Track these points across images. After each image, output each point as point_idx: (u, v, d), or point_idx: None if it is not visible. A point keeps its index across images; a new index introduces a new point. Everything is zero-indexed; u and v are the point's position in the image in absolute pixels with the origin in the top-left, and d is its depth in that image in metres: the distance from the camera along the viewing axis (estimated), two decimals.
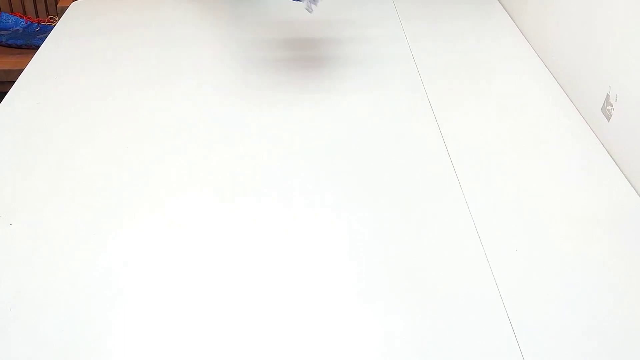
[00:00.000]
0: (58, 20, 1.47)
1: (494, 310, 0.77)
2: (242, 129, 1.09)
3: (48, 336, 0.72)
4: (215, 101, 1.16)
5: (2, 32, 1.80)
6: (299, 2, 1.22)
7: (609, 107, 1.03)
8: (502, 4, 1.55)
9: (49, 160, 1.00)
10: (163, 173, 0.98)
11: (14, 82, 1.20)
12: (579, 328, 0.75)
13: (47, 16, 1.96)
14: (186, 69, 1.26)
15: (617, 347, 0.73)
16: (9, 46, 1.82)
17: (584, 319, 0.76)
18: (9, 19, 1.81)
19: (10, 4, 1.95)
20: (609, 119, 1.03)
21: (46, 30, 1.78)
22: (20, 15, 1.86)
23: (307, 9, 1.21)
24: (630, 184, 0.97)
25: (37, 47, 1.33)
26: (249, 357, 0.71)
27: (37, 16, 1.97)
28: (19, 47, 1.82)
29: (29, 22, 1.84)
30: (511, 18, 1.47)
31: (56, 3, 1.82)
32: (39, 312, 0.75)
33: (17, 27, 1.82)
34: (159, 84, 1.21)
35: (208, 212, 0.91)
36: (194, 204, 0.92)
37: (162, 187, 0.95)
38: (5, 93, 1.18)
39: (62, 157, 1.01)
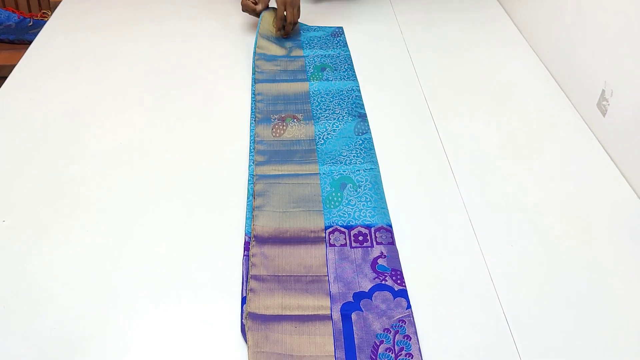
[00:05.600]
0: (51, 15, 1.46)
1: (489, 305, 0.77)
2: (237, 126, 1.08)
3: (41, 333, 0.72)
4: (210, 96, 1.16)
5: None
6: None
7: (604, 103, 1.03)
8: None
9: (42, 156, 0.99)
10: (157, 169, 0.98)
11: (7, 77, 1.19)
12: (572, 322, 0.75)
13: (40, 11, 1.94)
14: (180, 64, 1.25)
15: (610, 343, 0.73)
16: (1, 41, 1.80)
17: (577, 313, 0.76)
18: (1, 14, 1.80)
19: None
20: (604, 114, 1.03)
21: (39, 25, 1.76)
22: (12, 10, 1.84)
23: None
24: (625, 179, 0.97)
25: (30, 43, 1.32)
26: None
27: (30, 11, 1.95)
28: (12, 42, 1.81)
29: (21, 17, 1.82)
30: (507, 13, 1.47)
31: None
32: (32, 309, 0.75)
33: (10, 22, 1.81)
34: (152, 79, 1.20)
35: (203, 210, 0.90)
36: (190, 201, 0.92)
37: (156, 183, 0.95)
38: None
39: (55, 153, 1.00)
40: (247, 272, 0.78)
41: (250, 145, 1.01)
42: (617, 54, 1.00)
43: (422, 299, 0.77)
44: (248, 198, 0.90)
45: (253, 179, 0.92)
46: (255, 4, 1.35)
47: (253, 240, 0.82)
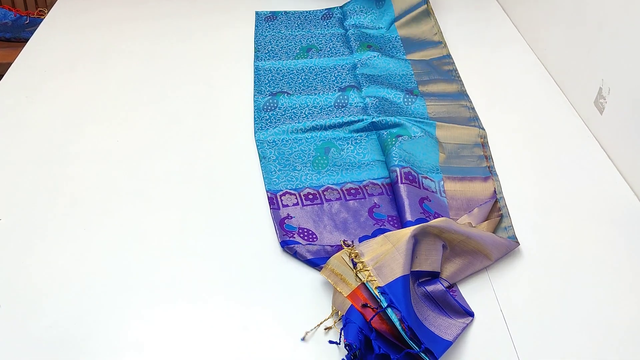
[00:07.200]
0: (47, 13, 1.45)
1: (487, 304, 0.77)
2: (238, 122, 1.08)
3: (38, 332, 0.72)
4: (207, 95, 1.15)
5: None
6: None
7: (601, 101, 1.03)
8: None
9: (39, 155, 0.99)
10: (153, 167, 0.97)
11: (2, 75, 1.19)
12: (570, 321, 0.75)
13: (37, 9, 1.93)
14: (176, 63, 1.25)
15: (609, 343, 0.73)
16: None
17: (574, 312, 0.76)
18: None
19: None
20: (601, 112, 1.03)
21: (35, 23, 1.76)
22: (9, 8, 1.83)
23: None
24: (622, 176, 0.97)
25: (26, 40, 1.31)
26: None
27: (26, 9, 1.94)
28: (8, 40, 1.80)
29: (17, 15, 1.81)
30: (505, 12, 1.47)
31: None
32: (29, 308, 0.75)
33: (6, 20, 1.80)
34: (148, 78, 1.20)
35: (200, 209, 0.90)
36: (189, 200, 0.92)
37: (153, 182, 0.95)
38: None
39: (51, 151, 1.00)
40: (280, 220, 0.86)
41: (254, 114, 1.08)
42: (614, 52, 1.00)
43: None
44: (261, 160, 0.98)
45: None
46: None
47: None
